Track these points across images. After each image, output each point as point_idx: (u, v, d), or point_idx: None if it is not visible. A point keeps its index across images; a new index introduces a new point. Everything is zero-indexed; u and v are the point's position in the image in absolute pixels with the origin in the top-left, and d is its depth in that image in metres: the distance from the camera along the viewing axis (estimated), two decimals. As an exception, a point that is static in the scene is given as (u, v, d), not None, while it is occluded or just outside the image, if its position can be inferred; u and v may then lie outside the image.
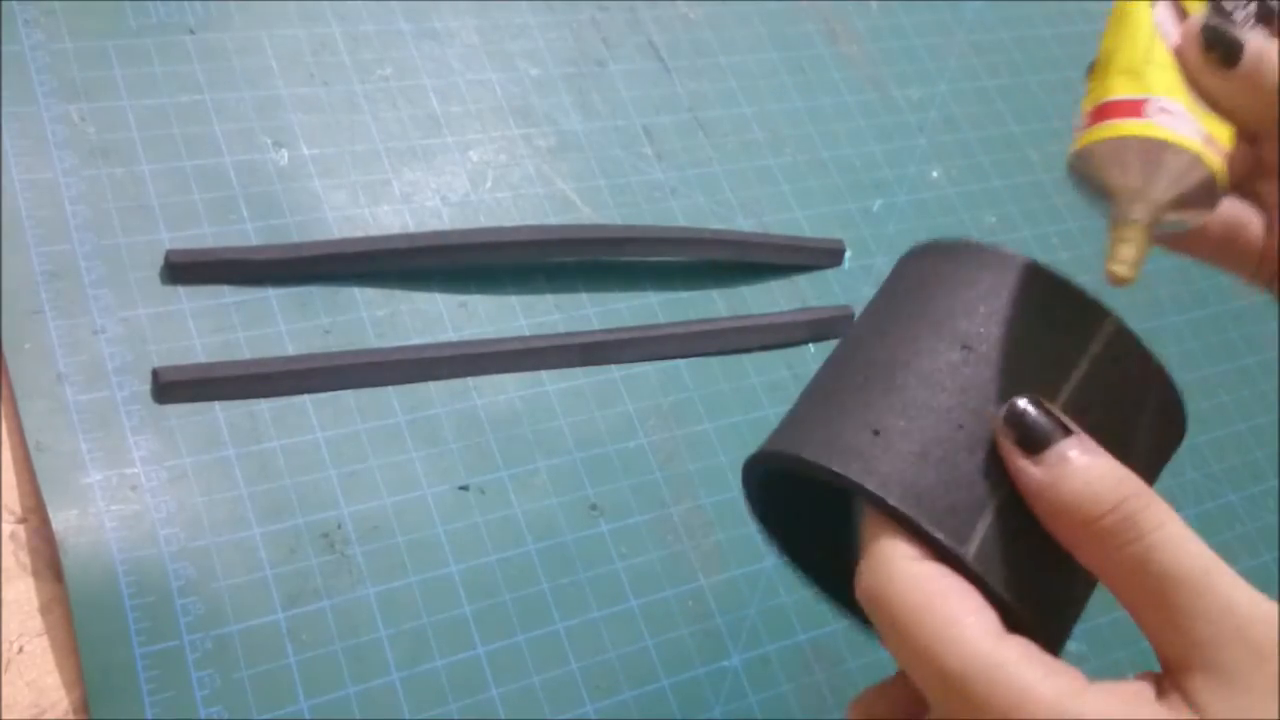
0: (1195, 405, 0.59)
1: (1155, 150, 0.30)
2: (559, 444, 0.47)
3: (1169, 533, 0.26)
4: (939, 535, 0.27)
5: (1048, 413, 0.28)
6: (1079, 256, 0.61)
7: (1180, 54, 0.32)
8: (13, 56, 0.47)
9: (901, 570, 0.26)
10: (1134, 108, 0.30)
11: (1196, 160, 0.30)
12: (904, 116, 0.62)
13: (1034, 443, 0.27)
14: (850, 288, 0.55)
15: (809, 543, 0.35)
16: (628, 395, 0.49)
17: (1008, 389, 0.28)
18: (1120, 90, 0.31)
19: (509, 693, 0.42)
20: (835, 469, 0.28)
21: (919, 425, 0.28)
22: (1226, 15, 0.32)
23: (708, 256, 0.53)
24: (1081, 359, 0.29)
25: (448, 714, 0.41)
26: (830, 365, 0.32)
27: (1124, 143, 0.30)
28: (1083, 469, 0.27)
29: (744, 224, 0.55)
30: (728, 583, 0.46)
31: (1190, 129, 0.30)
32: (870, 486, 0.27)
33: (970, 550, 0.27)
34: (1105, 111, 0.31)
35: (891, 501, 0.27)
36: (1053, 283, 0.30)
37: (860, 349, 0.31)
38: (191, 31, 0.51)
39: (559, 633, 0.44)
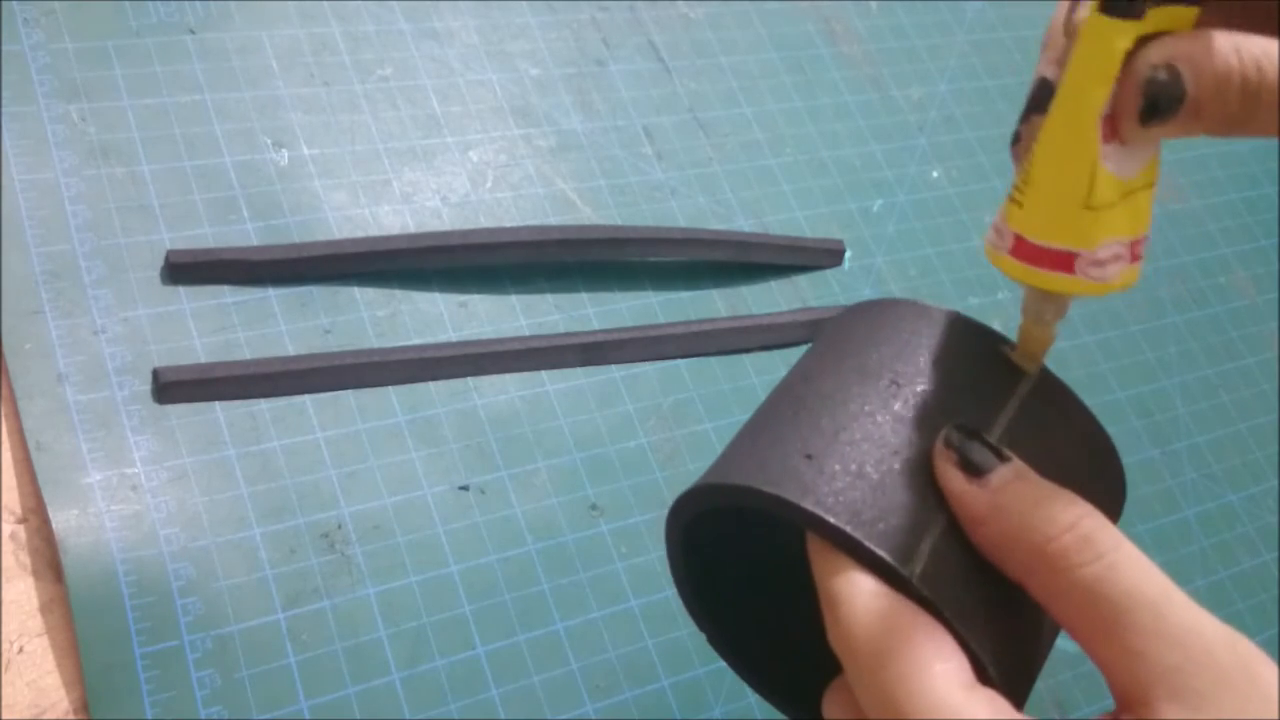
0: (1195, 405, 0.59)
1: (1080, 297, 0.29)
2: (559, 444, 0.47)
3: (1126, 553, 0.25)
4: (882, 554, 0.26)
5: (983, 437, 0.27)
6: (1079, 256, 0.61)
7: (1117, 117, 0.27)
8: (12, 56, 0.47)
9: (865, 608, 0.25)
10: (1065, 261, 0.27)
11: (1119, 289, 0.29)
12: (904, 116, 0.62)
13: (975, 465, 0.27)
14: (850, 288, 0.55)
15: (738, 626, 0.34)
16: (628, 395, 0.49)
17: (944, 424, 0.28)
18: (1051, 238, 0.27)
19: (509, 693, 0.42)
20: (768, 491, 0.27)
21: (854, 450, 0.28)
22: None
23: (708, 256, 0.53)
24: (1010, 400, 0.29)
25: (448, 714, 0.41)
26: (757, 413, 0.31)
27: (1050, 293, 0.29)
28: (1027, 492, 0.26)
29: (744, 224, 0.55)
30: (728, 583, 0.46)
31: (1117, 265, 0.28)
32: (807, 506, 0.27)
33: (915, 571, 0.26)
34: (1033, 255, 0.28)
35: (831, 520, 0.26)
36: (982, 333, 0.30)
37: (789, 393, 0.31)
38: (191, 31, 0.51)
39: (559, 633, 0.44)
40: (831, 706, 0.28)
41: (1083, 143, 0.26)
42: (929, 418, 0.28)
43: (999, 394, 0.29)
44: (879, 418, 0.28)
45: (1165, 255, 0.64)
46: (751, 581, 0.34)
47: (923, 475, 0.27)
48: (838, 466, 0.27)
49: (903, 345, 0.30)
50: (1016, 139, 0.29)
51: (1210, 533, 0.56)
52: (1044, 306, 0.29)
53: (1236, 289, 0.64)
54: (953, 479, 0.27)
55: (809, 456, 0.28)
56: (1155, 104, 0.26)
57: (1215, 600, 0.54)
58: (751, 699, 0.44)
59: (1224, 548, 0.55)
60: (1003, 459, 0.27)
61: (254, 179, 0.48)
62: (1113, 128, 0.27)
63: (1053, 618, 0.26)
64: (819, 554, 0.27)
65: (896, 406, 0.29)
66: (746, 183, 0.56)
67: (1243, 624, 0.53)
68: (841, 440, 0.28)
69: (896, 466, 0.28)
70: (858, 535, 0.26)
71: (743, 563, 0.34)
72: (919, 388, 0.29)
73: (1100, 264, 0.27)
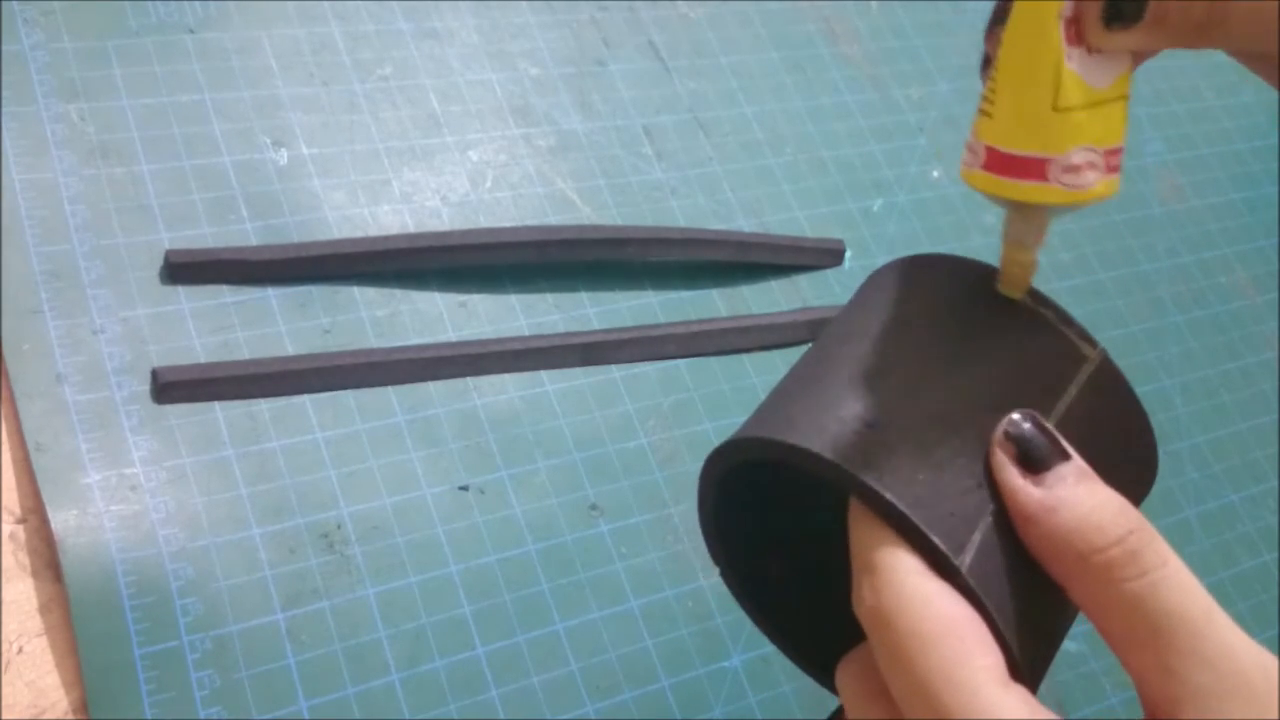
0: (1195, 405, 0.59)
1: (1056, 208, 0.28)
2: (559, 444, 0.47)
3: (1172, 571, 0.25)
4: (937, 540, 0.25)
5: (1046, 431, 0.26)
6: (1079, 257, 0.61)
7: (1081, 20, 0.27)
8: (12, 56, 0.47)
9: (913, 590, 0.25)
10: (1038, 169, 0.27)
11: (1097, 199, 0.29)
12: (904, 116, 0.62)
13: (1034, 461, 0.26)
14: (850, 288, 0.55)
15: (758, 574, 0.34)
16: (628, 395, 0.49)
17: (1005, 406, 0.27)
18: (1021, 144, 0.27)
19: (509, 693, 0.42)
20: (829, 458, 0.26)
21: (916, 424, 0.27)
22: None
23: (708, 256, 0.53)
24: (1070, 386, 0.29)
25: (447, 714, 0.41)
26: (811, 360, 0.30)
27: (1025, 204, 0.28)
28: (1085, 495, 0.26)
29: (744, 224, 0.55)
30: (728, 583, 0.46)
31: (1092, 173, 0.27)
32: (869, 480, 0.26)
33: (965, 562, 0.25)
34: (1005, 165, 0.28)
35: (891, 498, 0.26)
36: (1053, 311, 0.29)
37: (843, 350, 0.30)
38: (191, 31, 0.50)
39: (559, 633, 0.43)
40: (847, 678, 0.28)
41: (1045, 42, 0.26)
42: (990, 397, 0.27)
43: (1060, 377, 0.29)
44: (942, 393, 0.27)
45: (1165, 255, 0.64)
46: (776, 531, 0.33)
47: (979, 459, 0.27)
48: (899, 440, 0.27)
49: (962, 315, 0.29)
50: (986, 61, 0.29)
51: (1211, 533, 0.56)
52: (1024, 228, 0.29)
53: (1237, 289, 0.64)
54: (1009, 472, 0.26)
55: (870, 425, 0.27)
56: (1118, 7, 0.26)
57: (1216, 600, 0.53)
58: (752, 699, 0.44)
59: (1224, 548, 0.55)
60: (1063, 457, 0.26)
61: (253, 179, 0.48)
62: (1078, 31, 0.27)
63: (1092, 622, 0.26)
64: (863, 523, 0.26)
65: (959, 382, 0.28)
66: (746, 183, 0.56)
67: (1243, 624, 0.53)
68: (904, 412, 0.27)
69: (955, 447, 0.27)
70: (917, 519, 0.25)
71: (771, 512, 0.33)
72: (982, 365, 0.28)
73: (1074, 170, 0.27)
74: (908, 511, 0.26)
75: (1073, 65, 0.27)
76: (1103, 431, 0.29)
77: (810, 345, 0.32)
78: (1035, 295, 0.30)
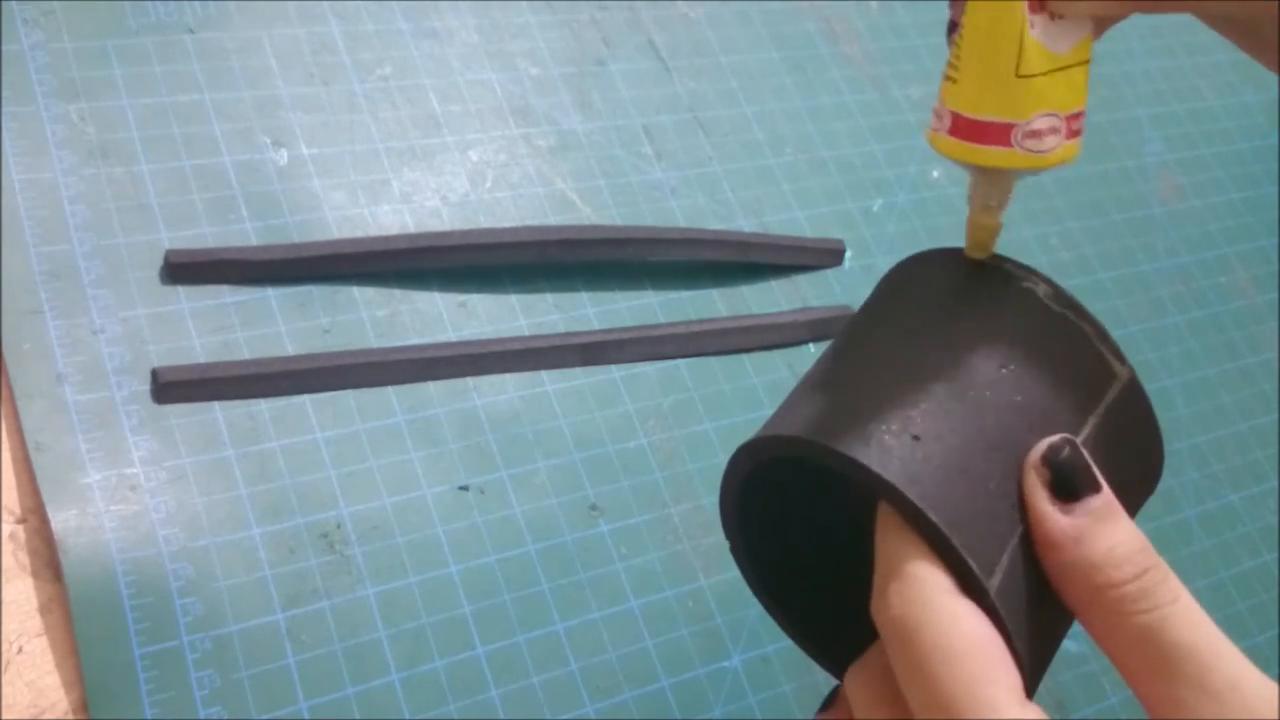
0: (1196, 405, 0.59)
1: (1020, 172, 0.29)
2: (559, 444, 0.47)
3: (1183, 606, 0.26)
4: (972, 564, 0.26)
5: (1083, 461, 0.27)
6: (1080, 256, 0.61)
7: None
8: (12, 56, 0.47)
9: (941, 606, 0.25)
10: (1001, 134, 0.28)
11: (1058, 163, 0.29)
12: (904, 115, 0.62)
13: (1067, 489, 0.26)
14: (850, 288, 0.55)
15: (773, 556, 0.34)
16: (628, 395, 0.49)
17: (1039, 424, 0.28)
18: (985, 110, 0.28)
19: (508, 693, 0.42)
20: (879, 472, 0.26)
21: (959, 440, 0.27)
22: None
23: (708, 256, 0.53)
24: (1099, 404, 0.29)
25: (447, 714, 0.41)
26: (849, 354, 0.30)
27: (989, 169, 0.29)
28: (1111, 530, 0.26)
29: (744, 224, 0.55)
30: (728, 583, 0.46)
31: (1054, 137, 0.28)
32: (913, 497, 0.26)
33: (994, 585, 0.26)
34: (969, 131, 0.28)
35: (933, 517, 0.26)
36: (1092, 326, 0.30)
37: (887, 345, 0.30)
38: (191, 31, 0.50)
39: (559, 633, 0.43)
40: (857, 685, 0.29)
41: (1008, 11, 0.27)
42: (1028, 415, 0.28)
43: (1091, 395, 0.29)
44: (983, 407, 0.28)
45: (1166, 255, 0.64)
46: (794, 520, 0.33)
47: (1013, 478, 0.27)
48: (942, 455, 0.27)
49: (1005, 322, 0.29)
50: (951, 27, 0.29)
51: (1211, 533, 0.56)
52: (989, 191, 0.30)
53: (1237, 289, 0.64)
54: (1040, 497, 0.27)
55: (916, 438, 0.27)
56: None
57: (1216, 601, 0.54)
58: (752, 699, 0.44)
59: (1224, 548, 0.55)
60: (1094, 490, 0.27)
61: (253, 179, 0.48)
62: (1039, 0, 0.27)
63: (1103, 650, 0.27)
64: (895, 531, 0.27)
65: (1001, 398, 0.28)
66: (746, 182, 0.56)
67: (1243, 624, 0.53)
68: (948, 427, 0.27)
69: (993, 465, 0.27)
70: (956, 541, 0.26)
71: (790, 500, 0.33)
72: (1022, 379, 0.28)
73: (1036, 135, 0.28)
74: (948, 533, 0.26)
75: (1035, 33, 0.27)
76: (1122, 450, 0.29)
77: (843, 333, 0.32)
78: (1078, 309, 0.30)
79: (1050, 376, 0.29)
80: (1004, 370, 0.28)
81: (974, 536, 0.26)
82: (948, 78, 0.29)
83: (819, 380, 0.31)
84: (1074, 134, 0.29)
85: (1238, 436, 0.59)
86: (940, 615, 0.25)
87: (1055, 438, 0.27)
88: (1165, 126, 0.68)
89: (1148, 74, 0.70)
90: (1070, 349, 0.29)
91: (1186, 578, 0.56)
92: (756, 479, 0.32)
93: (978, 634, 0.25)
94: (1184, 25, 0.73)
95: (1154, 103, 0.69)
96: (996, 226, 0.30)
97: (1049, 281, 0.30)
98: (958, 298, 0.30)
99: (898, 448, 0.27)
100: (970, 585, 0.26)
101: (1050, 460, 0.27)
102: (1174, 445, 0.57)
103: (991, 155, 0.28)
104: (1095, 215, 0.63)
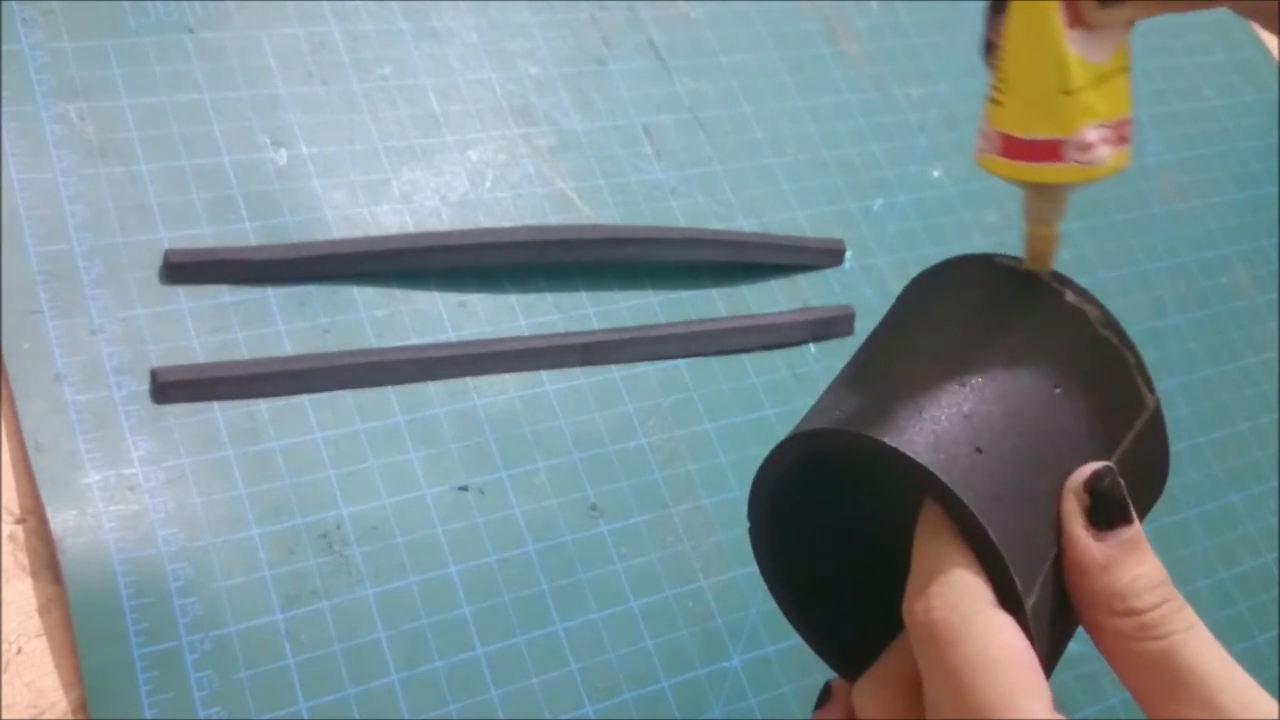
0: (1196, 405, 0.59)
1: (1073, 186, 0.29)
2: (559, 444, 0.47)
3: (1197, 633, 0.26)
4: (1018, 582, 0.26)
5: (1120, 491, 0.28)
6: (1080, 256, 0.61)
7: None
8: (11, 56, 0.47)
9: (983, 615, 0.26)
10: (1052, 150, 0.28)
11: (1112, 171, 0.30)
12: (905, 115, 0.62)
13: (1103, 518, 0.27)
14: (850, 288, 0.55)
15: (790, 547, 0.34)
16: (628, 395, 0.49)
17: (1081, 448, 0.28)
18: (1034, 129, 0.28)
19: (508, 694, 0.42)
20: (946, 482, 0.27)
21: (1017, 458, 0.27)
22: None
23: (708, 256, 0.53)
24: (1130, 433, 0.30)
25: (447, 715, 0.41)
26: (902, 351, 0.30)
27: (1042, 186, 0.29)
28: (1137, 561, 0.27)
29: (744, 224, 0.55)
30: (728, 583, 0.46)
31: (1105, 147, 0.28)
32: (976, 512, 0.26)
33: (1030, 604, 0.27)
34: (1021, 150, 0.29)
35: (991, 534, 0.26)
36: (1133, 352, 0.30)
37: (944, 346, 0.30)
38: (190, 31, 0.50)
39: (558, 633, 0.43)
40: (868, 698, 0.29)
41: (1048, 29, 0.27)
42: (1072, 439, 0.28)
43: (1123, 424, 0.30)
44: (1039, 427, 0.28)
45: (1166, 255, 0.63)
46: (816, 518, 0.33)
47: (1053, 501, 0.28)
48: (1002, 471, 0.27)
49: (1052, 339, 0.30)
50: (989, 47, 0.29)
51: (1212, 533, 0.56)
52: (1043, 205, 0.30)
53: (1237, 289, 0.64)
54: (1076, 522, 0.27)
55: (979, 450, 0.27)
56: None
57: (1216, 601, 0.53)
58: (752, 700, 0.44)
59: (1224, 548, 0.55)
60: (1126, 521, 0.27)
61: (253, 178, 0.48)
62: (1075, 13, 0.28)
63: (1116, 673, 0.28)
64: (939, 535, 0.27)
65: (1053, 417, 0.28)
66: (746, 182, 0.56)
67: (1244, 624, 0.53)
68: (1009, 445, 0.28)
69: (1040, 487, 0.28)
70: (1007, 557, 0.26)
71: (811, 497, 0.33)
72: (1072, 400, 0.29)
73: (1087, 148, 0.28)
74: (1001, 549, 0.26)
75: (1074, 47, 0.27)
76: (1140, 476, 0.30)
77: (890, 326, 0.32)
78: (1121, 335, 0.30)
79: (1093, 401, 0.29)
80: (1056, 390, 0.29)
81: (1020, 555, 0.27)
82: (992, 100, 0.29)
83: (873, 373, 0.30)
84: (1123, 140, 0.29)
85: (1238, 436, 0.59)
86: (982, 625, 0.26)
87: (1099, 465, 0.28)
88: (1165, 126, 0.68)
89: (1148, 74, 0.70)
90: (1112, 375, 0.30)
91: (1187, 578, 0.56)
92: (798, 469, 0.32)
93: (1016, 646, 0.26)
94: (1184, 25, 0.73)
95: (1154, 103, 0.69)
96: (1055, 238, 0.30)
97: (1097, 303, 0.31)
98: (1012, 310, 0.31)
99: (964, 459, 0.27)
100: (1010, 600, 0.26)
101: (1092, 487, 0.28)
102: (1174, 445, 0.56)
103: (1045, 172, 0.28)
104: (1095, 215, 0.63)
